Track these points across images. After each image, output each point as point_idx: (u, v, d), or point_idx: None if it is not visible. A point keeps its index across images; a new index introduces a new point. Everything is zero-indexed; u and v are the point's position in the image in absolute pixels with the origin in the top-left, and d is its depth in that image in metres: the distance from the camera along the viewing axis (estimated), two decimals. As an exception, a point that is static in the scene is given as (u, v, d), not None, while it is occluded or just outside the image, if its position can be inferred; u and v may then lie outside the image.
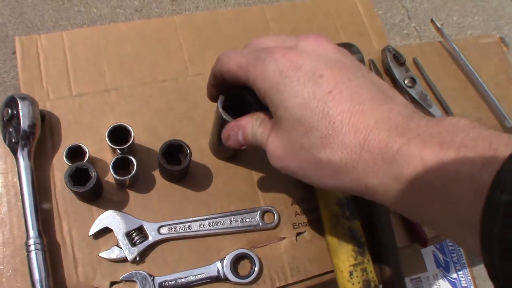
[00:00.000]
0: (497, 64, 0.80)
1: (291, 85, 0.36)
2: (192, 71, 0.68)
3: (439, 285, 0.95)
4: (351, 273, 0.53)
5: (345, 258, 0.53)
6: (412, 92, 0.68)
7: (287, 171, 0.39)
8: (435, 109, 0.68)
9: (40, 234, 0.49)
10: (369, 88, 0.35)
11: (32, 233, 0.49)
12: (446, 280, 0.96)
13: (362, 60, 0.62)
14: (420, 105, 0.68)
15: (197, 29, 0.72)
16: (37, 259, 0.48)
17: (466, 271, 0.98)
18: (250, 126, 0.42)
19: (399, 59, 0.69)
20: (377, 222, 0.58)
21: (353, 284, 0.52)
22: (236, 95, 0.46)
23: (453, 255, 0.99)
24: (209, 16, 0.74)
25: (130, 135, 0.51)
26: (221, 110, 0.46)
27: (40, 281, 0.47)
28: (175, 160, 0.53)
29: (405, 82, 0.68)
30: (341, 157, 0.34)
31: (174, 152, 0.53)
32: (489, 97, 0.73)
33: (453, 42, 0.76)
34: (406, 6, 1.58)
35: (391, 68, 0.68)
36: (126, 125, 0.51)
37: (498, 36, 0.83)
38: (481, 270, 1.13)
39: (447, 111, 0.70)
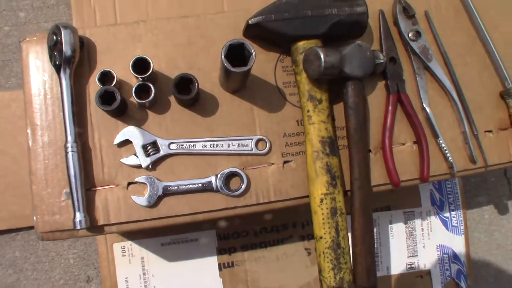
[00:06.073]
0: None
1: None
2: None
3: (430, 221, 1.05)
4: (321, 200, 0.63)
5: (318, 187, 0.63)
6: (414, 45, 0.72)
7: None
8: (435, 64, 0.73)
9: (75, 139, 0.62)
10: None
11: (69, 138, 0.62)
12: (438, 217, 1.05)
13: (364, 13, 0.66)
14: (419, 58, 0.72)
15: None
16: (72, 159, 0.61)
17: (459, 212, 1.06)
18: None
19: (408, 12, 0.72)
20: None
21: (322, 209, 0.63)
22: (238, 46, 0.55)
23: (449, 195, 1.06)
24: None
25: (150, 66, 0.61)
26: (223, 58, 0.55)
27: (75, 175, 0.61)
28: (187, 90, 0.63)
29: (409, 35, 0.72)
30: None
31: (186, 83, 0.62)
32: (494, 55, 0.76)
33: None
34: None
35: (398, 21, 0.73)
36: (147, 57, 0.61)
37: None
38: (474, 213, 1.20)
39: (448, 66, 0.74)
